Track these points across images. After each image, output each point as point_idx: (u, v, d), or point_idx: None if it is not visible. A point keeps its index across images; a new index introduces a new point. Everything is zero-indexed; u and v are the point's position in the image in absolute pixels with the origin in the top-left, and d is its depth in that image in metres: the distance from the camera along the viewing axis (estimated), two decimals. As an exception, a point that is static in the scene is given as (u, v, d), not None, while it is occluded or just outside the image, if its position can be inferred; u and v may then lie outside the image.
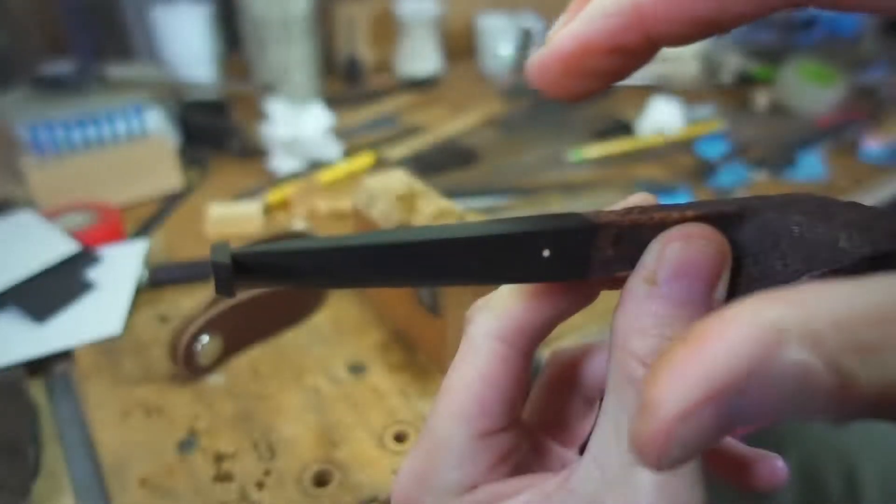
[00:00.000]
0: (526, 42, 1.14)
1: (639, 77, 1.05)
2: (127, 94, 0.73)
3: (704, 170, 0.74)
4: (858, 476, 0.53)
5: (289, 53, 0.87)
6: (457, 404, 0.19)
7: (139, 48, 1.11)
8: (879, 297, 0.11)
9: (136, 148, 0.68)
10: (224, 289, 0.15)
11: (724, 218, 0.17)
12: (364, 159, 0.78)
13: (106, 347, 0.47)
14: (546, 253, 0.16)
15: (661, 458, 0.12)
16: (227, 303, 0.44)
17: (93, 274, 0.54)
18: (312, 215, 0.67)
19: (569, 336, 0.48)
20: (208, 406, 0.42)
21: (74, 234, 0.56)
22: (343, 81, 1.08)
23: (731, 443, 0.23)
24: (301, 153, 0.76)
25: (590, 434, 0.23)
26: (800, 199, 0.18)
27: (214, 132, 0.81)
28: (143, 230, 0.64)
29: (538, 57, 0.17)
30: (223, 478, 0.37)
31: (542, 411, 0.23)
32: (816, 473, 0.55)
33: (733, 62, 1.06)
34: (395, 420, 0.41)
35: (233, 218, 0.63)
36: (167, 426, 0.40)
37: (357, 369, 0.45)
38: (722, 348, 0.11)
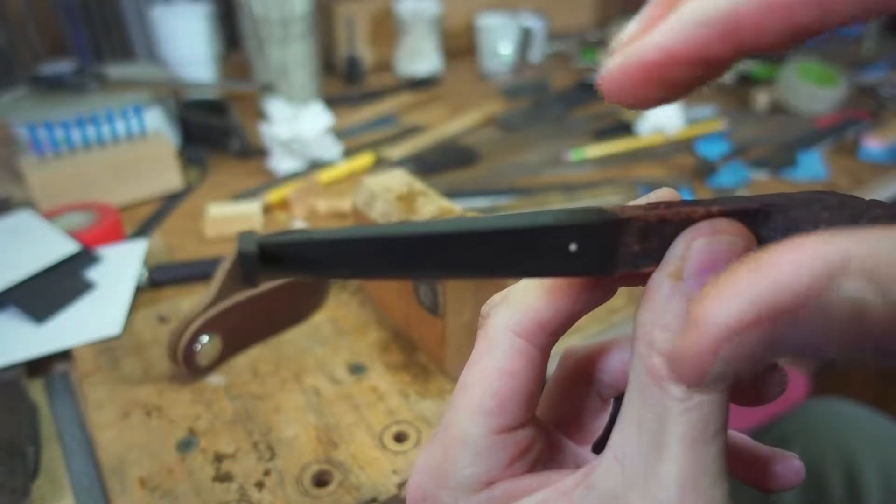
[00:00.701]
0: (526, 41, 1.14)
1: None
2: (126, 94, 0.73)
3: (705, 170, 0.74)
4: (860, 475, 0.53)
5: (288, 53, 0.87)
6: (475, 400, 0.19)
7: (139, 48, 1.11)
8: None
9: (136, 148, 0.68)
10: (250, 278, 0.15)
11: (750, 214, 0.17)
12: (364, 159, 0.78)
13: (106, 347, 0.47)
14: (573, 247, 0.16)
15: (701, 375, 0.12)
16: (226, 303, 0.44)
17: (92, 274, 0.54)
18: (312, 215, 0.67)
19: (571, 337, 0.48)
20: (208, 406, 0.42)
21: (74, 234, 0.56)
22: (343, 81, 1.08)
23: (748, 442, 0.22)
24: (301, 153, 0.75)
25: (604, 431, 0.23)
26: (823, 196, 0.18)
27: (214, 132, 0.81)
28: (143, 230, 0.64)
29: (616, 65, 0.16)
30: (223, 478, 0.37)
31: (556, 408, 0.23)
32: (818, 472, 0.55)
33: (733, 62, 1.06)
34: (395, 420, 0.41)
35: (232, 218, 0.63)
36: (167, 426, 0.40)
37: (357, 369, 0.45)
38: (783, 273, 0.12)
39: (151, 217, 0.67)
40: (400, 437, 0.40)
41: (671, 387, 0.15)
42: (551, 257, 0.16)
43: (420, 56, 1.07)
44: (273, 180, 0.75)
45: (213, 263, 0.54)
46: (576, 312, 0.19)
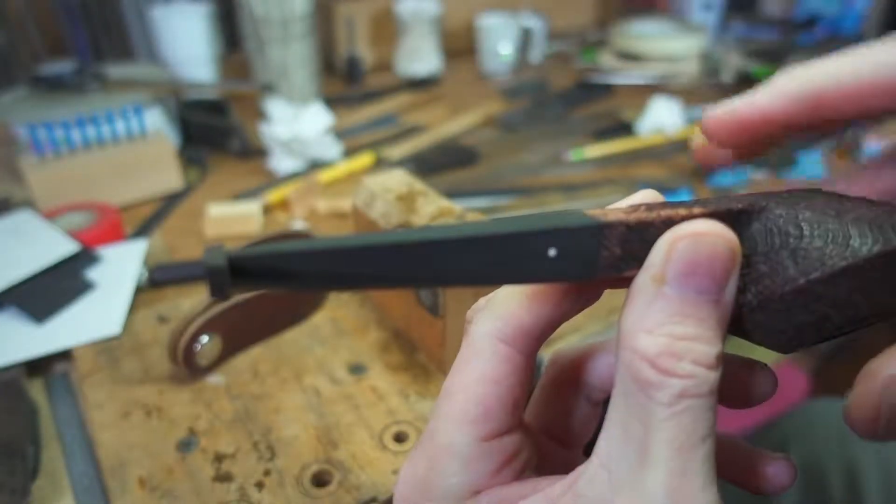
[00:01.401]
0: (526, 41, 1.14)
1: (639, 77, 1.05)
2: (126, 94, 0.73)
3: (704, 170, 0.74)
4: (860, 475, 0.53)
5: (288, 53, 0.87)
6: (459, 407, 0.18)
7: (139, 48, 1.11)
8: None
9: (136, 148, 0.68)
10: (219, 292, 0.15)
11: (733, 214, 0.17)
12: (364, 159, 0.78)
13: (105, 347, 0.47)
14: (552, 252, 0.16)
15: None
16: (226, 303, 0.44)
17: (92, 274, 0.54)
18: (312, 215, 0.67)
19: (570, 336, 0.48)
20: (208, 406, 0.42)
21: (74, 234, 0.56)
22: (343, 81, 1.08)
23: (739, 444, 0.22)
24: (301, 153, 0.75)
25: (594, 436, 0.23)
26: (809, 194, 0.18)
27: (214, 132, 0.81)
28: (143, 230, 0.64)
29: (719, 113, 0.20)
30: (223, 478, 0.37)
31: (544, 413, 0.23)
32: (818, 472, 0.55)
33: (733, 62, 1.06)
34: (395, 420, 0.41)
35: (232, 218, 0.63)
36: (167, 426, 0.40)
37: (357, 369, 0.45)
38: None
39: (151, 217, 0.67)
40: (400, 438, 0.40)
41: (656, 392, 0.15)
42: (531, 264, 0.16)
43: (420, 56, 1.07)
44: (273, 180, 0.75)
45: (213, 263, 0.54)
46: (559, 317, 0.19)
